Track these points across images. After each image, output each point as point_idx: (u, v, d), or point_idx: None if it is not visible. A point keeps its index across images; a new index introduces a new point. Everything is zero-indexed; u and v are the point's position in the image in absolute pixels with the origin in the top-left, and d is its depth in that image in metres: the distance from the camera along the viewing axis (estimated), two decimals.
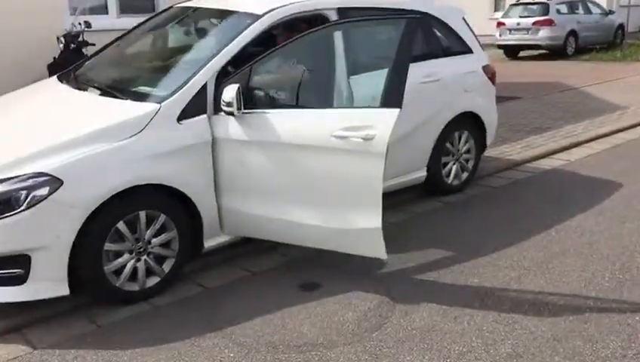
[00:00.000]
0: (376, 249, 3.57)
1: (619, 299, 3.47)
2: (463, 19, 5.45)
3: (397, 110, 3.45)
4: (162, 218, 3.63)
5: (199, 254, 3.94)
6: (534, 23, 16.50)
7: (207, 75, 3.76)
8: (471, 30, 5.50)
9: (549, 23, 16.43)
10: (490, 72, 5.55)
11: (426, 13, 5.03)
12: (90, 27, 7.11)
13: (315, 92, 3.91)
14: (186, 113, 3.68)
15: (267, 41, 4.21)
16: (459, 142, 5.36)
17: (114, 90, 3.98)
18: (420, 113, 4.91)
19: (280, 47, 3.83)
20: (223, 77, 3.79)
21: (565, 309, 3.38)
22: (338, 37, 3.94)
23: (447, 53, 5.22)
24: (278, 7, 4.14)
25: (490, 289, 3.65)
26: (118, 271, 3.55)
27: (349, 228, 3.60)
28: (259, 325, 3.33)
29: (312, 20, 4.41)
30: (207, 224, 3.84)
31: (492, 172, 6.10)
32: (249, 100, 3.73)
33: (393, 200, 5.15)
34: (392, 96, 3.47)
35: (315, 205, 3.66)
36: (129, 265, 3.58)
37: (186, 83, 3.72)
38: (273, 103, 3.83)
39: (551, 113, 8.69)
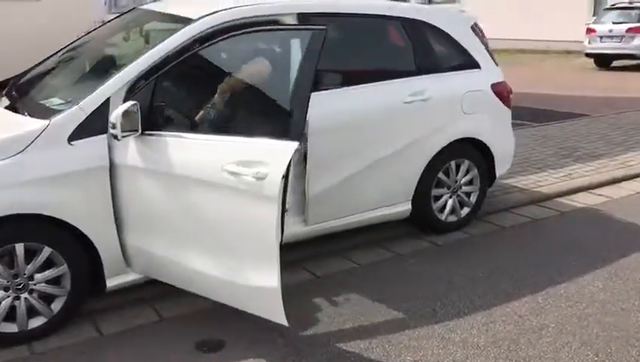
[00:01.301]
0: (274, 312, 2.91)
1: None
2: (473, 27, 4.61)
3: (294, 144, 2.76)
4: (47, 251, 3.15)
5: (102, 293, 3.44)
6: (628, 30, 14.81)
7: (110, 88, 3.23)
8: (482, 41, 4.65)
9: None
10: (503, 92, 4.67)
11: (415, 20, 4.26)
12: None
13: (224, 114, 3.27)
14: (81, 132, 3.17)
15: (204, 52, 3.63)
16: (456, 173, 4.54)
17: (21, 102, 3.56)
18: (401, 138, 4.16)
19: (186, 58, 3.24)
20: (135, 91, 3.27)
21: None
22: (258, 48, 3.30)
23: (443, 67, 4.41)
24: (219, 11, 3.54)
25: None
26: None
27: (244, 284, 2.96)
28: None
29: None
30: (107, 261, 3.32)
31: (511, 206, 5.20)
32: (153, 120, 3.18)
33: (375, 235, 4.45)
34: (290, 127, 2.79)
35: (211, 252, 3.05)
36: (4, 304, 3.12)
37: (84, 97, 3.23)
38: (178, 125, 3.26)
39: (613, 136, 7.51)
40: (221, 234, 2.96)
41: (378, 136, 4.08)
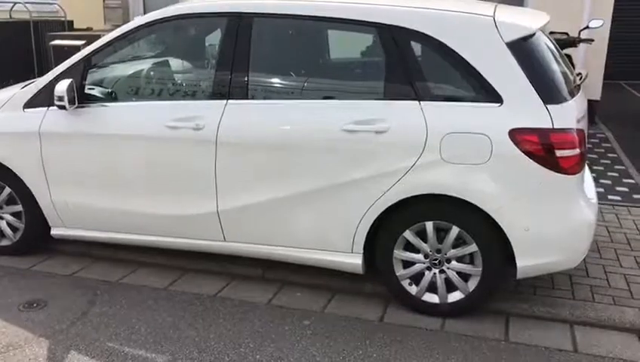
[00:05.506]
0: None
1: None
2: (513, 44, 3.11)
3: None
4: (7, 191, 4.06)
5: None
6: None
7: (58, 70, 3.84)
8: (528, 65, 3.10)
9: None
10: (538, 144, 3.05)
11: (397, 27, 3.23)
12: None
13: None
14: (33, 103, 3.89)
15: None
16: (439, 240, 3.30)
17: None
18: (334, 173, 3.35)
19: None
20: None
21: None
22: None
23: (430, 94, 3.20)
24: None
25: None
26: None
27: None
28: None
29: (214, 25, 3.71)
30: (47, 213, 4.03)
31: (566, 317, 3.39)
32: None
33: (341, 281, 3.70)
34: None
35: None
36: None
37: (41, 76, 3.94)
38: None
39: None
40: None
41: (304, 164, 3.38)
